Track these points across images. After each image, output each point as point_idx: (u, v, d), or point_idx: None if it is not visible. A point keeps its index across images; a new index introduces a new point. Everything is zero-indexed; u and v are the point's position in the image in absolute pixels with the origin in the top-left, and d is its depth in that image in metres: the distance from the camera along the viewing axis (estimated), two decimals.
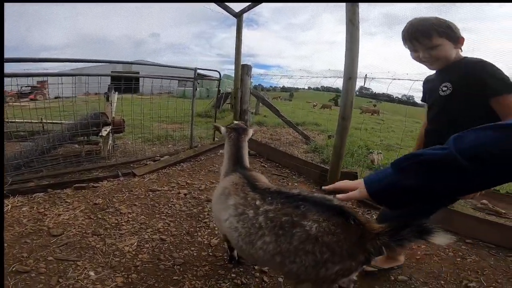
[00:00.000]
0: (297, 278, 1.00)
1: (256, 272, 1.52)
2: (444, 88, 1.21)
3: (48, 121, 3.04)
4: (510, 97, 1.06)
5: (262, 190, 1.17)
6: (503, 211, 2.32)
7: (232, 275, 1.48)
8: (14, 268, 1.28)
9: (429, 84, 1.37)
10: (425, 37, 1.16)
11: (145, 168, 2.96)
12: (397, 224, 0.86)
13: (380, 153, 4.02)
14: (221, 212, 1.24)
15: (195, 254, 1.64)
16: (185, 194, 2.46)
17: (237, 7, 3.76)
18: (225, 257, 1.62)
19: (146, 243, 1.69)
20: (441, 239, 0.78)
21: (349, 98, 2.54)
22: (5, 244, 1.43)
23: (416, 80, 2.71)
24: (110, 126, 3.28)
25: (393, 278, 1.51)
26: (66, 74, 2.79)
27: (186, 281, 1.39)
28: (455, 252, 1.75)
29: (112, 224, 1.86)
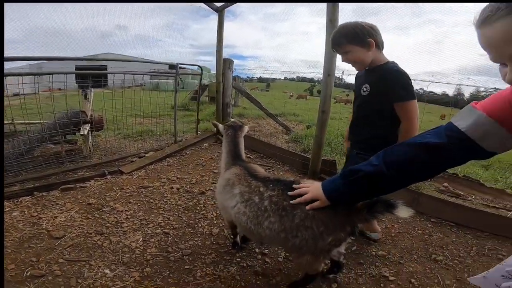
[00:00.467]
0: (299, 251, 1.19)
1: (258, 255, 1.69)
2: (365, 89, 1.47)
3: (21, 121, 2.84)
4: (409, 104, 1.33)
5: (263, 179, 1.34)
6: (462, 193, 2.76)
7: (237, 259, 1.64)
8: (29, 273, 1.30)
9: (357, 81, 1.61)
10: (337, 45, 1.40)
11: (132, 165, 2.95)
12: (371, 202, 1.09)
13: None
14: (227, 201, 1.39)
15: (199, 244, 1.76)
16: (177, 189, 2.53)
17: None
18: (228, 244, 1.77)
19: (151, 237, 1.77)
20: (403, 212, 1.04)
21: (328, 93, 2.75)
22: (9, 250, 1.42)
23: None
24: (89, 124, 3.18)
25: (374, 253, 1.78)
26: (29, 73, 2.61)
27: (197, 269, 1.52)
28: (423, 230, 2.08)
29: (112, 223, 1.89)
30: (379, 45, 1.39)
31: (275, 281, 1.49)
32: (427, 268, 1.64)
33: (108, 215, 1.99)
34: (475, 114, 0.72)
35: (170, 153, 3.44)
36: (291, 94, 16.26)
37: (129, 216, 2.00)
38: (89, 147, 3.23)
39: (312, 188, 1.12)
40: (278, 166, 3.37)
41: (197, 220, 2.04)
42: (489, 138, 0.71)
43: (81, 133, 2.92)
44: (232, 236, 1.76)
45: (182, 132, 4.39)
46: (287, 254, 1.69)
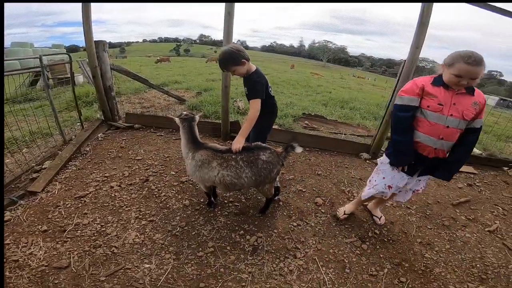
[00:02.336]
0: (263, 184, 2.10)
1: (228, 203, 2.47)
2: (246, 90, 2.32)
3: None
4: (253, 101, 2.10)
5: (228, 150, 2.05)
6: (315, 126, 4.51)
7: (218, 212, 2.36)
8: None
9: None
10: (225, 69, 2.18)
11: (40, 182, 2.57)
12: (285, 147, 2.11)
13: (241, 100, 5.44)
14: (208, 173, 2.01)
15: (184, 215, 2.29)
16: (118, 185, 2.62)
17: None
18: (203, 207, 2.41)
19: (144, 228, 2.10)
20: (298, 149, 2.12)
21: (228, 75, 3.43)
22: None
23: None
24: None
25: (287, 178, 3.02)
26: None
27: (201, 229, 2.13)
28: (304, 157, 3.52)
29: (96, 234, 2.00)
30: (248, 59, 2.17)
31: (251, 213, 2.39)
32: (316, 180, 3.04)
33: (82, 230, 2.02)
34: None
35: (69, 156, 3.10)
36: (159, 58, 14.52)
37: (103, 223, 2.12)
38: None
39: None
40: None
41: (164, 202, 2.45)
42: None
43: None
44: (208, 199, 2.41)
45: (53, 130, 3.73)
46: (245, 194, 2.58)
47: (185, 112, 2.24)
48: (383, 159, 2.00)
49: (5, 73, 2.65)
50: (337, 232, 2.27)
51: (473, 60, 1.43)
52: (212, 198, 2.42)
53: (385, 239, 2.23)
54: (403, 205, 2.70)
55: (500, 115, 5.43)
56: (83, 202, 2.37)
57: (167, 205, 2.41)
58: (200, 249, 1.97)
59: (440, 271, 1.98)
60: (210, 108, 4.85)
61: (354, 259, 2.02)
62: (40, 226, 2.03)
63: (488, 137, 4.60)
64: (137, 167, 3.00)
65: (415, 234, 2.33)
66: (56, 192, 2.49)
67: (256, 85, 2.12)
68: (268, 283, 1.77)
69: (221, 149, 2.07)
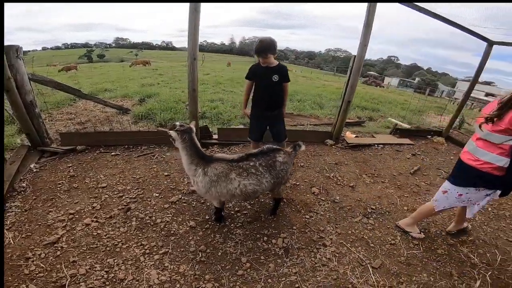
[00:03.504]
0: (279, 186, 2.13)
1: (235, 214, 2.36)
2: (275, 77, 2.52)
3: None
4: (288, 84, 2.64)
5: (241, 158, 1.97)
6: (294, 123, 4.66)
7: (232, 225, 2.23)
8: None
9: (258, 71, 2.56)
10: (264, 53, 2.37)
11: None
12: (292, 146, 2.21)
13: None
14: (227, 187, 1.87)
15: (197, 238, 2.06)
16: (95, 222, 2.13)
17: None
18: (212, 224, 2.22)
19: (163, 263, 1.80)
20: (303, 147, 2.27)
21: (196, 75, 3.21)
22: None
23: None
24: None
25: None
26: None
27: (225, 248, 1.98)
28: None
29: (108, 283, 1.59)
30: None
31: (263, 218, 2.34)
32: (303, 172, 3.21)
33: (86, 283, 1.57)
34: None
35: (8, 195, 2.35)
36: (63, 67, 11.81)
37: (107, 269, 1.69)
38: None
39: None
40: (157, 149, 3.47)
41: (166, 229, 2.12)
42: None
43: None
44: (218, 214, 2.22)
45: None
46: (251, 203, 2.51)
47: (178, 123, 1.95)
48: None
49: None
50: (344, 215, 2.49)
51: None
52: (222, 213, 2.26)
53: (382, 212, 2.58)
54: (378, 180, 3.16)
55: (405, 93, 6.90)
56: (59, 248, 1.84)
57: (171, 232, 2.11)
58: (237, 267, 1.83)
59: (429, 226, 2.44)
60: (165, 115, 4.42)
61: (370, 234, 2.26)
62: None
63: (406, 113, 5.78)
64: (106, 196, 2.50)
65: (400, 203, 2.77)
66: (13, 242, 1.85)
67: (287, 72, 2.57)
68: (317, 276, 1.82)
69: (234, 158, 1.95)
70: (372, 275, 1.85)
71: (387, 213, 2.57)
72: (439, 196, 2.06)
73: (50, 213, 2.21)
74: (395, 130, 4.60)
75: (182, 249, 1.95)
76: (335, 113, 4.16)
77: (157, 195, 2.56)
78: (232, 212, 2.38)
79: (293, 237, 2.15)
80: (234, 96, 6.28)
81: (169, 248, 1.94)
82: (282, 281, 1.75)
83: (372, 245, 2.14)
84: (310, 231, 2.24)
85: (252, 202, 2.53)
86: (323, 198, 2.71)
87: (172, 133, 1.91)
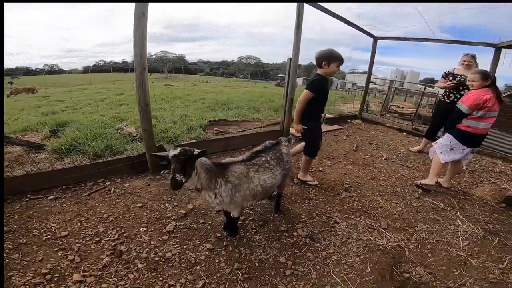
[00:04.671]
0: (285, 178, 2.24)
1: (243, 223, 2.28)
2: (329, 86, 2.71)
3: None
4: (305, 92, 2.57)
5: (252, 156, 2.00)
6: (226, 130, 4.59)
7: (248, 234, 2.14)
8: None
9: (324, 83, 2.59)
10: (328, 62, 2.47)
11: None
12: (287, 140, 2.38)
13: (127, 125, 4.46)
14: (250, 186, 1.83)
15: (225, 258, 1.88)
16: (87, 276, 1.62)
17: None
18: (228, 240, 2.07)
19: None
20: (291, 142, 2.48)
21: (147, 87, 2.84)
22: None
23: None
24: None
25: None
26: None
27: (258, 257, 1.88)
28: None
29: None
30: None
31: (272, 217, 2.35)
32: None
33: None
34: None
35: None
36: None
37: None
38: None
39: None
40: (118, 181, 2.88)
41: (184, 260, 1.85)
42: None
43: None
44: (234, 228, 2.10)
45: None
46: (252, 208, 2.47)
47: (173, 151, 1.56)
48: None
49: None
50: (332, 195, 2.79)
51: None
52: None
53: (355, 185, 3.04)
54: (336, 161, 3.67)
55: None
56: None
57: (192, 261, 1.84)
58: (281, 269, 1.79)
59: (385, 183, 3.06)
60: (96, 144, 3.68)
61: (360, 204, 2.64)
62: None
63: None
64: (79, 245, 1.92)
65: (362, 174, 3.32)
66: None
67: (312, 79, 2.61)
68: (351, 248, 2.01)
69: (244, 159, 1.95)
70: (387, 234, 2.19)
71: (359, 184, 3.04)
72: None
73: (13, 279, 1.53)
74: (325, 120, 5.42)
75: (218, 275, 1.73)
76: (277, 114, 4.53)
77: (144, 229, 2.15)
78: (240, 223, 2.28)
79: (307, 224, 2.27)
80: (165, 113, 5.81)
81: (204, 279, 1.69)
82: (328, 263, 1.84)
83: (368, 212, 2.50)
84: (317, 215, 2.41)
85: (250, 208, 2.48)
86: (306, 186, 2.93)
87: (198, 164, 1.64)
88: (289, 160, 2.18)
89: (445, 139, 2.82)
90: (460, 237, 2.19)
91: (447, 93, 3.75)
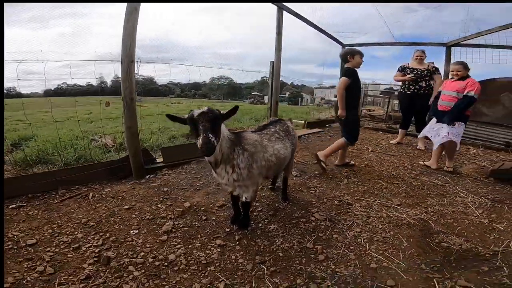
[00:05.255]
0: (293, 154, 2.06)
1: (253, 215, 1.97)
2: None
3: None
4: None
5: (260, 128, 1.87)
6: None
7: (260, 225, 1.83)
8: None
9: (356, 74, 2.79)
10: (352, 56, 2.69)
11: None
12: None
13: (101, 136, 3.93)
14: (265, 156, 1.63)
15: (241, 253, 1.55)
16: None
17: None
18: (240, 234, 1.74)
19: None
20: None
21: (133, 81, 2.50)
22: None
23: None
24: None
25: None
26: None
27: (280, 246, 1.58)
28: None
29: None
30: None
31: (282, 207, 2.08)
32: None
33: None
34: None
35: None
36: None
37: None
38: None
39: None
40: (85, 189, 2.37)
41: (195, 262, 1.48)
42: None
43: None
44: (247, 219, 1.79)
45: None
46: (257, 200, 2.17)
47: (203, 109, 1.31)
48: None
49: None
50: (335, 182, 2.61)
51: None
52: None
53: (354, 172, 2.90)
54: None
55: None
56: None
57: (203, 262, 1.47)
58: (312, 256, 1.53)
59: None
60: (68, 154, 3.14)
61: (364, 187, 2.51)
62: None
63: (303, 115, 6.89)
64: (50, 253, 1.48)
65: (356, 162, 3.22)
66: None
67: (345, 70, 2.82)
68: (377, 225, 1.84)
69: (255, 130, 1.86)
70: (404, 209, 2.04)
71: (356, 172, 2.92)
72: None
73: None
74: (307, 124, 5.40)
75: (239, 273, 1.39)
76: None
77: (136, 231, 1.73)
78: (252, 216, 1.95)
79: (321, 209, 2.04)
80: (143, 125, 5.32)
81: (223, 280, 1.33)
82: (360, 242, 1.62)
83: (376, 193, 2.36)
84: (328, 200, 2.20)
85: (257, 200, 2.18)
86: (307, 177, 2.73)
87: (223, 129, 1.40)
88: (295, 135, 2.06)
89: (461, 128, 2.82)
90: (472, 207, 2.12)
91: (407, 85, 3.92)
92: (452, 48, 4.66)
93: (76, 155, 3.14)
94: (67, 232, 1.66)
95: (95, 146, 3.69)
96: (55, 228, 1.69)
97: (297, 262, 1.46)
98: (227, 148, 1.44)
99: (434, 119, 3.02)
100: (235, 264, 1.46)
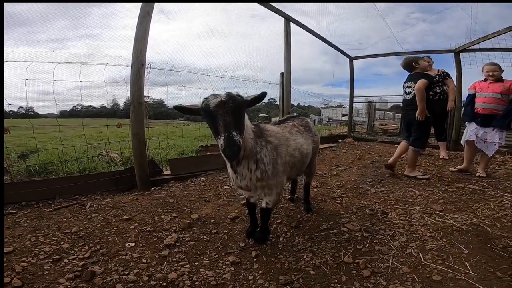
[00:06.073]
0: (315, 155, 1.77)
1: (272, 228, 1.60)
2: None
3: None
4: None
5: (279, 122, 1.66)
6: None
7: (279, 238, 1.45)
8: None
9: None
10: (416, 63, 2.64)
11: None
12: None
13: (109, 151, 3.72)
14: (289, 151, 1.38)
15: (264, 271, 1.17)
16: None
17: None
18: (258, 249, 1.38)
19: None
20: None
21: (142, 85, 2.34)
22: None
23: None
24: None
25: None
26: None
27: (310, 263, 1.20)
28: None
29: None
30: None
31: (305, 218, 1.71)
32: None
33: None
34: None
35: None
36: None
37: None
38: None
39: None
40: (84, 199, 2.07)
41: (192, 280, 1.12)
42: None
43: None
44: (267, 230, 1.44)
45: None
46: (275, 212, 1.80)
47: (219, 98, 1.00)
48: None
49: None
50: (360, 191, 2.23)
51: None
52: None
53: (379, 180, 2.52)
54: (347, 167, 3.17)
55: None
56: None
57: (211, 282, 1.11)
58: (354, 272, 1.15)
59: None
60: (73, 165, 2.91)
61: (396, 196, 2.13)
62: None
63: None
64: (24, 264, 1.16)
65: (378, 173, 2.83)
66: None
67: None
68: (427, 232, 1.44)
69: (275, 122, 1.66)
70: (449, 215, 1.65)
71: (382, 181, 2.55)
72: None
73: None
74: (320, 139, 5.10)
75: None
76: None
77: (132, 244, 1.38)
78: (272, 227, 1.58)
79: (352, 219, 1.65)
80: (152, 143, 5.14)
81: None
82: (410, 252, 1.27)
83: (410, 201, 2.02)
84: (358, 209, 1.82)
85: (275, 211, 1.81)
86: (329, 187, 2.35)
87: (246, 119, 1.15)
88: (316, 133, 1.77)
89: (504, 133, 2.56)
90: None
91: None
92: (461, 54, 4.39)
93: (81, 167, 2.90)
94: (52, 242, 1.34)
95: (102, 160, 3.46)
96: (39, 237, 1.38)
97: (336, 280, 1.08)
98: (251, 139, 1.14)
99: (473, 124, 2.67)
100: (253, 286, 1.08)
